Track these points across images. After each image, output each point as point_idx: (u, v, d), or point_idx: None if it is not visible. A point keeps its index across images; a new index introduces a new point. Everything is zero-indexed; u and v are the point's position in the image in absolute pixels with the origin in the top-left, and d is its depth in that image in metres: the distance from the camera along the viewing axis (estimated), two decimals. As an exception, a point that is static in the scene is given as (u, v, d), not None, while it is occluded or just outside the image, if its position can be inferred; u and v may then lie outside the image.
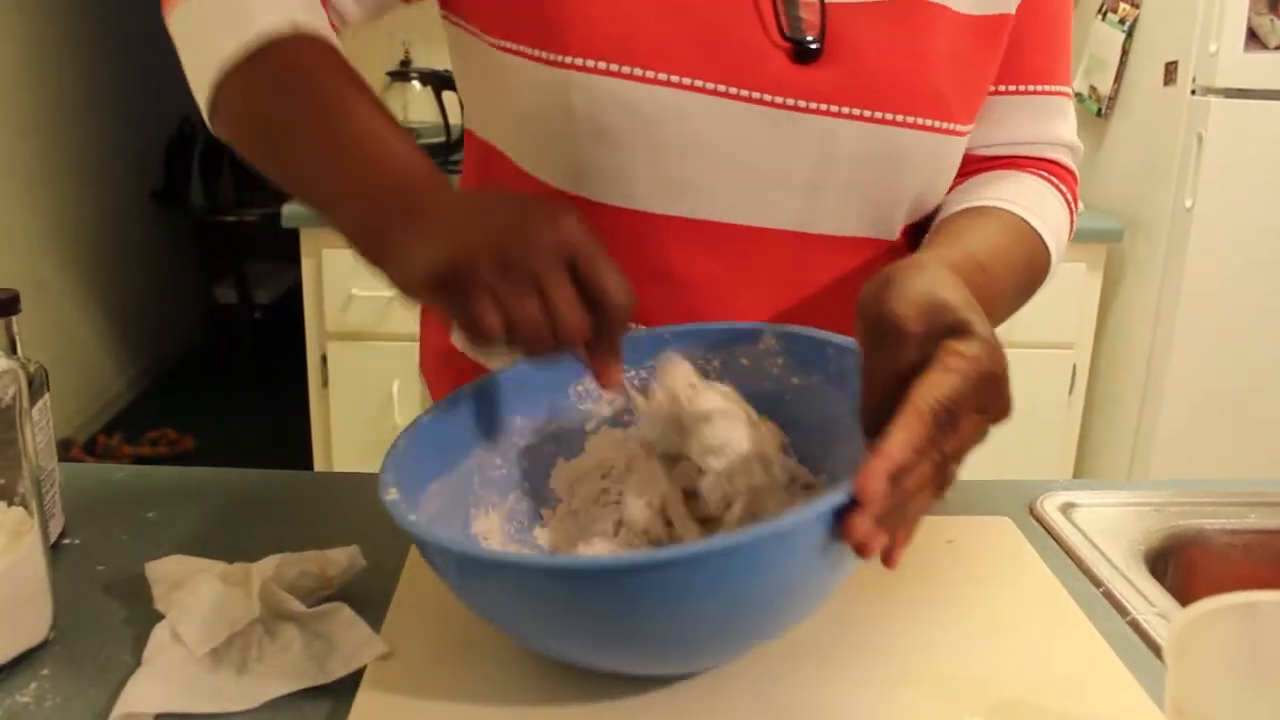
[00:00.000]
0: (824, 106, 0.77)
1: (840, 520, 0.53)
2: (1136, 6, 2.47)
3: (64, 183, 3.67)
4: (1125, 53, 2.50)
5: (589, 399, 0.77)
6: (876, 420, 0.59)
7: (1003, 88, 0.86)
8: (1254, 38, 2.17)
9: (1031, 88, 0.87)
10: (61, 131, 3.63)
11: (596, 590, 0.53)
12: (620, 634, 0.56)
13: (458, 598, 0.61)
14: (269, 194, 4.01)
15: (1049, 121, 0.88)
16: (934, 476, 0.57)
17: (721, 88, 0.75)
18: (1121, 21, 2.50)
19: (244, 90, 0.71)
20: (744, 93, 0.76)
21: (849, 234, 0.82)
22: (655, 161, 0.77)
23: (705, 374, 0.76)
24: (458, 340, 0.59)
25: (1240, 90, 2.19)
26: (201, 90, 0.73)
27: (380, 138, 0.66)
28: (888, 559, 0.57)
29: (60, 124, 3.63)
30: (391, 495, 0.60)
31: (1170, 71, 2.32)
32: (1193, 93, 2.25)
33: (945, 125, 0.79)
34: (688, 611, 0.54)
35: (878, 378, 0.60)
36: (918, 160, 0.80)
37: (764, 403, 0.75)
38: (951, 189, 0.88)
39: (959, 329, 0.58)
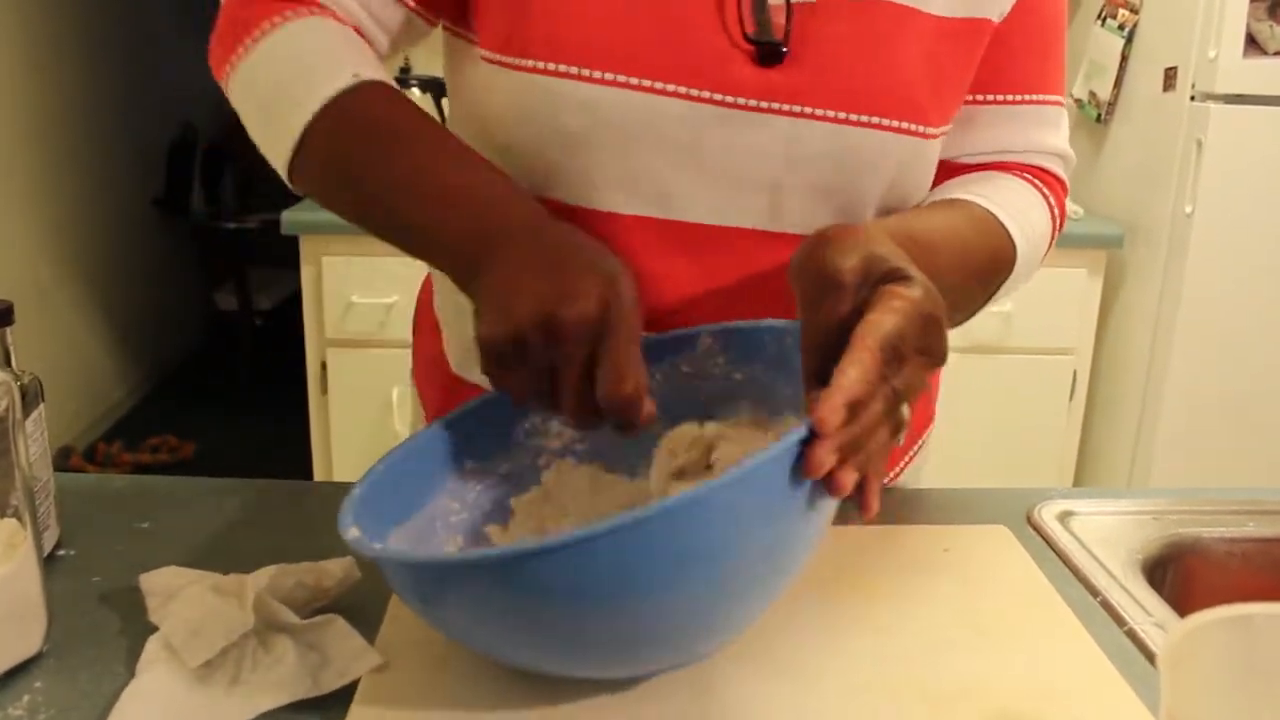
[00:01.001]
0: (788, 107, 0.77)
1: (803, 461, 0.54)
2: (1136, 12, 2.47)
3: (65, 188, 3.67)
4: (1125, 58, 2.50)
5: (537, 435, 0.76)
6: (817, 366, 0.61)
7: (994, 97, 0.86)
8: (1253, 43, 2.17)
9: (1023, 97, 0.87)
10: (63, 137, 3.64)
11: (553, 571, 0.52)
12: (587, 620, 0.54)
13: (421, 617, 0.60)
14: (270, 200, 4.02)
15: (1040, 131, 0.88)
16: (887, 414, 0.58)
17: (683, 89, 0.75)
18: (1121, 27, 2.50)
19: (321, 145, 0.73)
20: (705, 94, 0.76)
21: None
22: (618, 163, 0.77)
23: (650, 387, 0.75)
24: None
25: (1239, 96, 2.20)
26: (280, 153, 0.75)
27: (462, 178, 0.70)
28: (865, 506, 0.58)
29: (62, 130, 3.63)
30: (354, 534, 0.60)
31: (1170, 77, 2.32)
32: (1192, 98, 2.26)
33: (914, 127, 0.79)
34: (658, 581, 0.52)
35: (818, 332, 0.61)
36: (884, 161, 0.79)
37: (712, 405, 0.75)
38: (932, 190, 0.88)
39: (894, 275, 0.60)
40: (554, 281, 0.61)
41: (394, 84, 0.76)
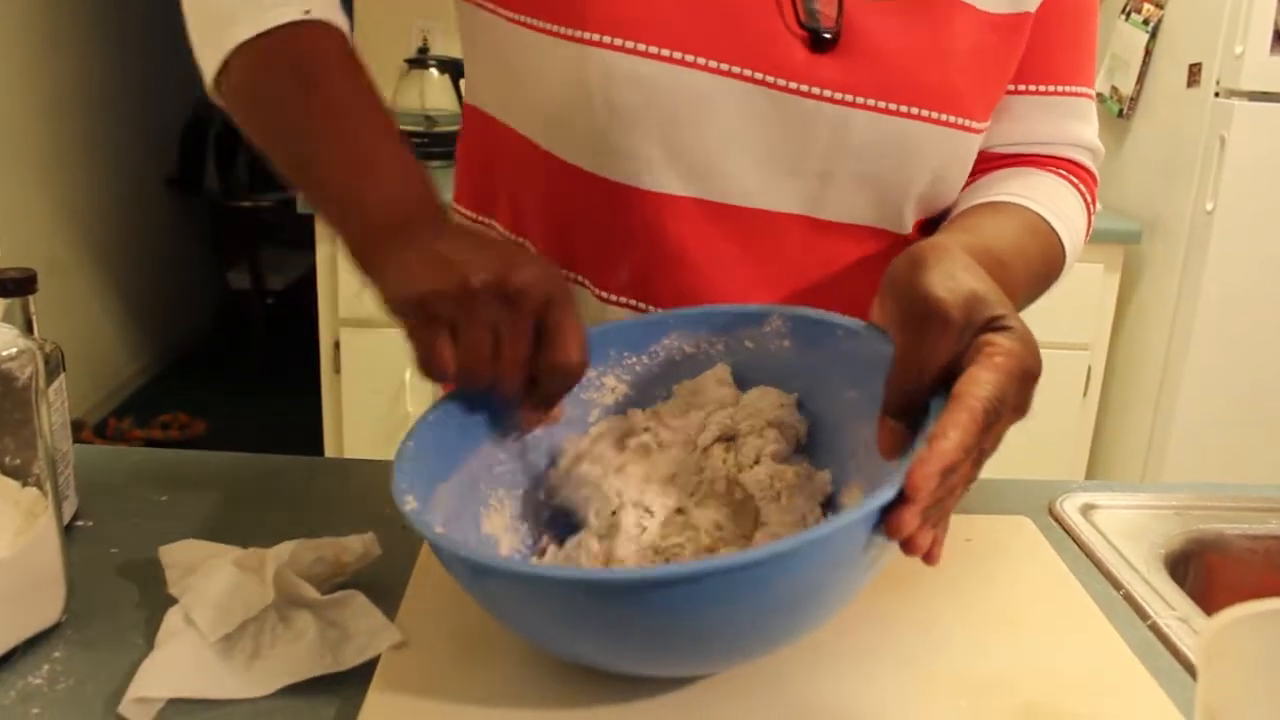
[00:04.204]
0: (838, 95, 0.77)
1: (885, 517, 0.53)
2: (1160, 7, 2.45)
3: (79, 166, 3.67)
4: (1148, 53, 2.48)
5: (590, 388, 0.75)
6: (905, 399, 0.60)
7: (1025, 87, 0.86)
8: (1280, 40, 2.15)
9: (1054, 88, 0.87)
10: (77, 115, 3.64)
11: (637, 602, 0.52)
12: (654, 642, 0.55)
13: (480, 604, 0.60)
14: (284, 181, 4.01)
15: (1070, 122, 0.88)
16: (971, 472, 0.58)
17: (736, 70, 0.76)
18: (1145, 22, 2.48)
19: (252, 71, 0.72)
20: (758, 76, 0.76)
21: (858, 222, 0.83)
22: (668, 141, 0.78)
23: (709, 356, 0.75)
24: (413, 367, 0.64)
25: (1265, 93, 2.18)
26: (209, 61, 0.73)
27: (382, 152, 0.69)
28: (929, 556, 0.58)
29: (76, 108, 3.63)
30: (410, 504, 0.59)
31: (1194, 73, 2.30)
32: (1216, 95, 2.24)
33: (959, 120, 0.79)
34: (726, 617, 0.53)
35: (914, 359, 0.60)
36: (929, 153, 0.80)
37: (769, 385, 0.74)
38: (968, 185, 0.88)
39: (997, 323, 0.58)
40: (497, 252, 0.62)
41: (344, 29, 0.74)
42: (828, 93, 0.77)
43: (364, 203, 0.67)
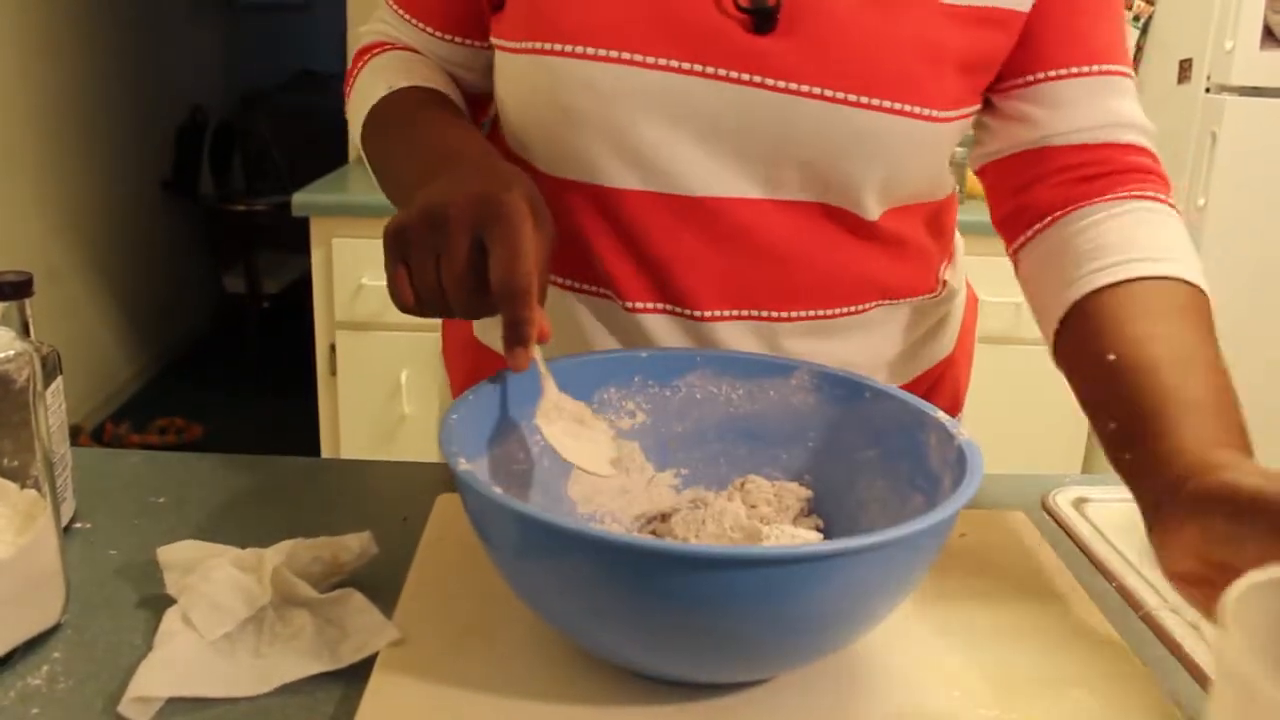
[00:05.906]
0: (783, 84, 0.76)
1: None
2: (1151, 3, 2.46)
3: (75, 170, 3.67)
4: (1140, 50, 2.49)
5: (610, 410, 0.76)
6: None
7: (1065, 71, 0.82)
8: (1270, 35, 2.16)
9: (1098, 68, 0.82)
10: (73, 119, 3.64)
11: (706, 579, 0.52)
12: (701, 632, 0.55)
13: (518, 583, 0.60)
14: (279, 183, 4.02)
15: (1117, 100, 0.83)
16: None
17: (674, 63, 0.76)
18: (1136, 18, 2.49)
19: (366, 139, 0.86)
20: (696, 67, 0.76)
21: (818, 200, 0.81)
22: (619, 139, 0.79)
23: (729, 399, 0.77)
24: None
25: (1255, 88, 2.19)
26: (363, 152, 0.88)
27: (442, 136, 0.78)
28: None
29: (72, 112, 3.63)
30: (464, 465, 0.60)
31: (1185, 69, 2.31)
32: (1207, 90, 2.25)
33: (915, 109, 0.77)
34: (791, 609, 0.54)
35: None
36: (882, 143, 0.78)
37: (785, 436, 0.76)
38: (1051, 199, 0.84)
39: None
40: (448, 183, 0.67)
41: (429, 84, 0.86)
42: (773, 81, 0.76)
43: (407, 179, 0.75)
